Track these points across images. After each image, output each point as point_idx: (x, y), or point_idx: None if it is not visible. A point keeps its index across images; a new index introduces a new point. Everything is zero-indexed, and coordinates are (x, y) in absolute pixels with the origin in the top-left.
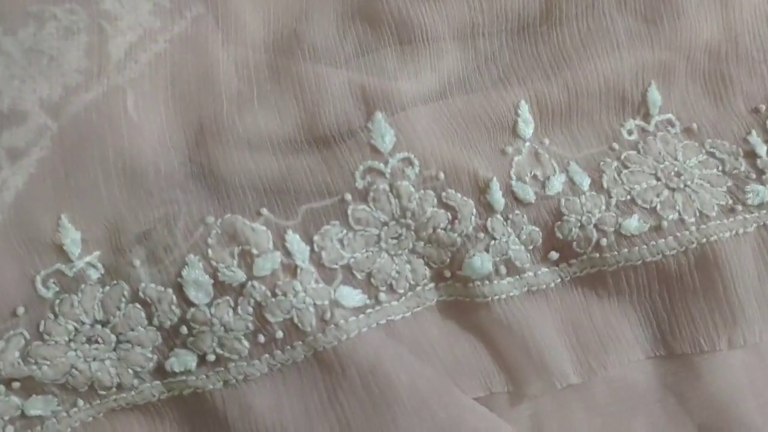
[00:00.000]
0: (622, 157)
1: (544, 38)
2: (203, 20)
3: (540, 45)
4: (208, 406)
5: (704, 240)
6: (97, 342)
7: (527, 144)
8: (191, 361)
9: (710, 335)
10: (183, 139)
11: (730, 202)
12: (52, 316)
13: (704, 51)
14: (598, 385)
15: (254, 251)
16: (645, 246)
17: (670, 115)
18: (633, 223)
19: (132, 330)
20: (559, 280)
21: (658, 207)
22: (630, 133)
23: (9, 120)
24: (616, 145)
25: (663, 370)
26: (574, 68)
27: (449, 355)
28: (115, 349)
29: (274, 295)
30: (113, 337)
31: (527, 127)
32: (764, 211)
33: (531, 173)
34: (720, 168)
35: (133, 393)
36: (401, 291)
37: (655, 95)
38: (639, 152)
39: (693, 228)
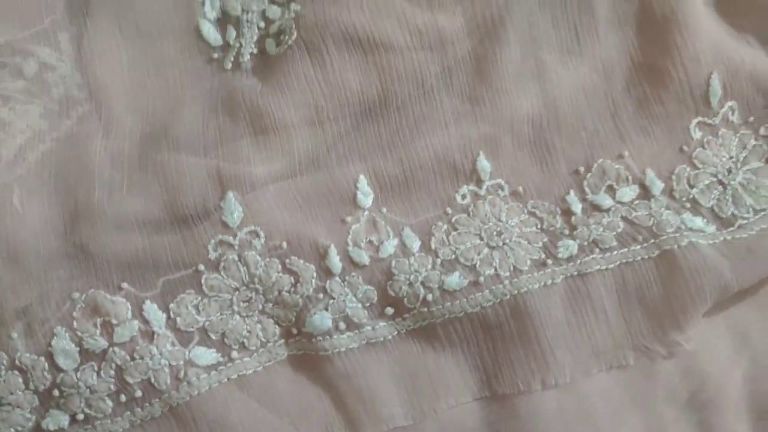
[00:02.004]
0: (453, 220)
1: (384, 120)
2: (87, 118)
3: (381, 126)
4: None
5: (516, 292)
6: None
7: (366, 213)
8: (64, 420)
9: (526, 377)
10: (61, 224)
11: (543, 256)
12: None
13: (527, 122)
14: (429, 426)
15: (114, 321)
16: (465, 299)
17: (500, 180)
18: (454, 280)
19: (11, 394)
20: (396, 332)
21: (478, 264)
22: (464, 197)
23: None
24: (449, 210)
25: (488, 411)
26: (407, 145)
27: (296, 404)
28: None
29: (133, 359)
30: None
31: (366, 198)
32: (572, 264)
33: (367, 239)
34: (538, 226)
35: None
36: (253, 348)
37: (484, 164)
38: (469, 215)
39: (507, 281)
